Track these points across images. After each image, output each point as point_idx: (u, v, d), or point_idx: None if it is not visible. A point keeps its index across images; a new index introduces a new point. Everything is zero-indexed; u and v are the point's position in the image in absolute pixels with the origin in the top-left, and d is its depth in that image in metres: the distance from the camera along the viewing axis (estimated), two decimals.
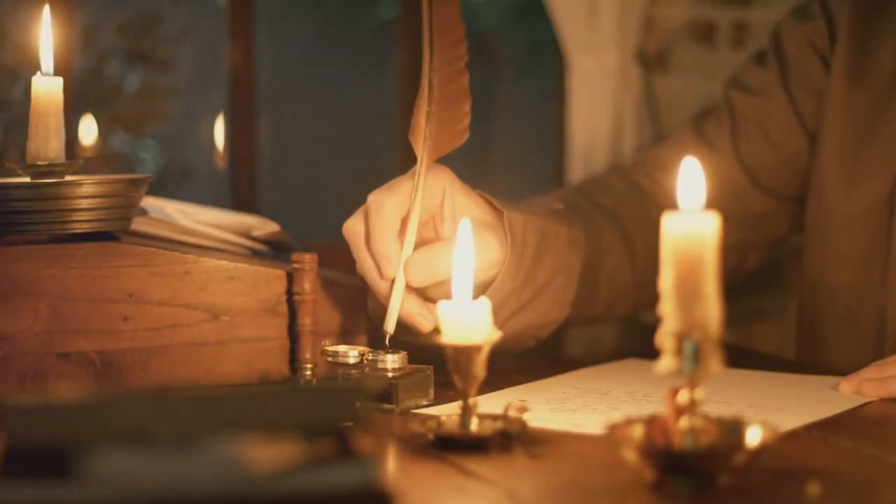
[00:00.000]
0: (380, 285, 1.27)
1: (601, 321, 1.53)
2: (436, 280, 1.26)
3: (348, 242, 1.28)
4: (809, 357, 1.56)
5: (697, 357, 0.93)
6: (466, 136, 1.27)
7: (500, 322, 1.33)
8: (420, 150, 1.27)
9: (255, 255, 1.43)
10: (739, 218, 1.60)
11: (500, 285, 1.31)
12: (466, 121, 1.27)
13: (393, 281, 1.26)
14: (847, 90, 1.53)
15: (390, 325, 1.26)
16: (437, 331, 1.11)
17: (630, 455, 0.95)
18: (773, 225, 1.64)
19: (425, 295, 1.28)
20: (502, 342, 1.34)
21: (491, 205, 1.32)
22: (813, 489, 0.94)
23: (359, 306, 1.36)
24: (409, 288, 1.27)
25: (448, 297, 1.11)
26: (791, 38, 1.60)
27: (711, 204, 0.95)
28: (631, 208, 1.57)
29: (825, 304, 1.53)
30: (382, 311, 1.27)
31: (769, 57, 1.62)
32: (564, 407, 1.23)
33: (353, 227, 1.28)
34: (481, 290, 1.28)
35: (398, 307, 1.26)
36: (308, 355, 1.30)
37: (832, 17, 1.56)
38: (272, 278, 1.31)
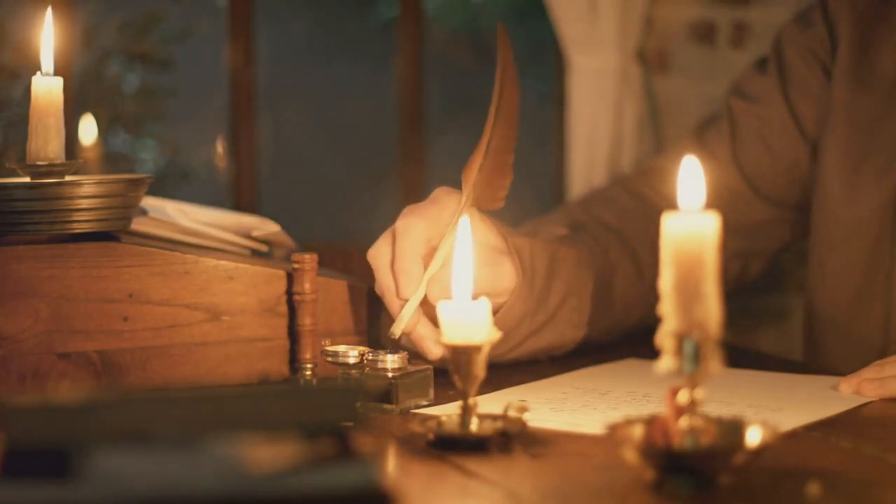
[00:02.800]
0: (395, 303, 1.28)
1: (614, 335, 1.54)
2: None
3: (372, 266, 1.30)
4: (814, 361, 1.56)
5: (697, 357, 0.93)
6: (501, 204, 1.33)
7: (514, 345, 1.35)
8: (468, 190, 1.31)
9: (255, 255, 1.43)
10: (741, 227, 1.60)
11: (510, 309, 1.33)
12: (504, 192, 1.33)
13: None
14: (849, 95, 1.53)
15: (397, 330, 1.27)
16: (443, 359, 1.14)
17: (630, 455, 0.95)
18: (774, 233, 1.64)
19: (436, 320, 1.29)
20: (517, 360, 1.36)
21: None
22: (813, 489, 0.94)
23: (359, 306, 1.36)
24: (424, 310, 1.27)
25: None
26: (792, 45, 1.60)
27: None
28: (635, 221, 1.58)
29: (828, 309, 1.53)
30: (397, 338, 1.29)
31: (770, 65, 1.62)
32: (564, 407, 1.23)
33: (378, 251, 1.30)
34: (497, 315, 1.30)
35: (409, 314, 1.27)
36: (308, 355, 1.30)
37: (833, 24, 1.56)
38: (272, 278, 1.31)
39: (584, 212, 1.59)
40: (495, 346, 1.29)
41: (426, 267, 1.28)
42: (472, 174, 1.31)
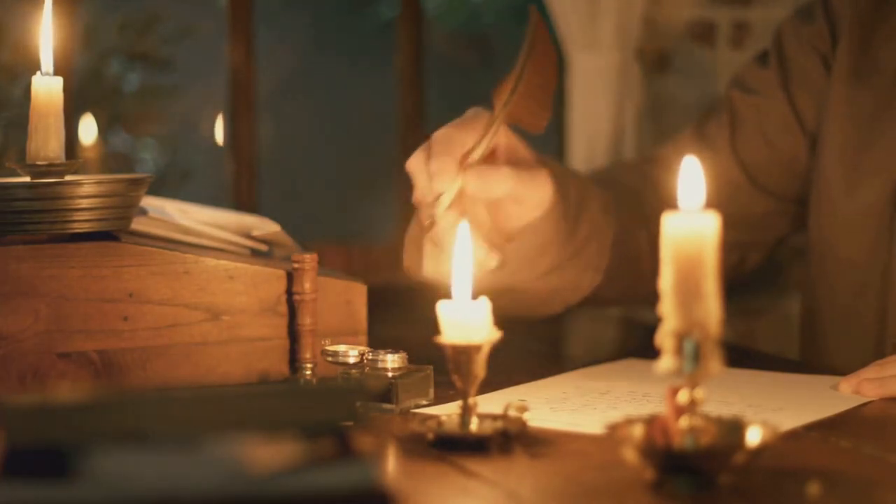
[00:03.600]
0: (427, 200, 1.25)
1: (623, 301, 1.53)
2: (490, 194, 1.25)
3: (410, 174, 1.27)
4: (811, 358, 1.56)
5: (697, 357, 0.93)
6: (541, 131, 1.30)
7: (539, 274, 1.33)
8: (499, 108, 1.27)
9: (255, 255, 1.43)
10: (739, 218, 1.60)
11: (542, 227, 1.31)
12: (545, 122, 1.30)
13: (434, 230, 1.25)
14: (849, 90, 1.53)
15: (441, 211, 1.24)
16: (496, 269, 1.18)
17: (630, 455, 0.95)
18: (772, 225, 1.64)
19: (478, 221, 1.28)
20: (536, 298, 1.35)
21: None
22: (813, 489, 0.94)
23: (359, 306, 1.36)
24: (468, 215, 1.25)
25: (498, 226, 1.21)
26: (793, 39, 1.60)
27: (711, 204, 0.95)
28: (644, 194, 1.57)
29: (826, 304, 1.53)
30: (418, 257, 1.27)
31: (770, 58, 1.62)
32: (564, 407, 1.23)
33: (415, 158, 1.27)
34: (529, 231, 1.29)
35: (446, 204, 1.24)
36: (308, 355, 1.30)
37: (835, 19, 1.56)
38: (272, 278, 1.31)
39: (605, 174, 1.58)
40: (518, 271, 1.26)
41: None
42: (504, 96, 1.27)
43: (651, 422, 0.97)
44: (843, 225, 1.51)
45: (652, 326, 0.97)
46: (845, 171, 1.52)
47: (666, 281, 0.94)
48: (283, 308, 1.31)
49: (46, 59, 1.28)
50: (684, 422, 0.95)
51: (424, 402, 1.24)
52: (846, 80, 1.53)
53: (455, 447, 1.07)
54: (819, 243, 1.54)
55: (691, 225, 0.93)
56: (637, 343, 1.48)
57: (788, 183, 1.61)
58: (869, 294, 1.49)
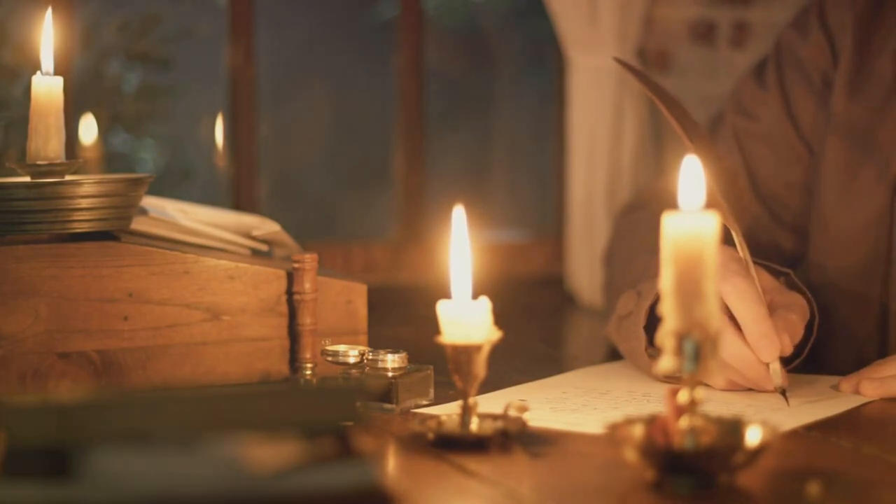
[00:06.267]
0: (761, 370, 1.25)
1: None
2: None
3: (736, 366, 1.25)
4: (811, 366, 1.55)
5: (697, 357, 0.93)
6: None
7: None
8: (739, 237, 1.29)
9: (255, 254, 1.43)
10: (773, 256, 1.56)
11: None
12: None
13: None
14: (847, 101, 1.51)
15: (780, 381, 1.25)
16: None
17: (630, 455, 0.96)
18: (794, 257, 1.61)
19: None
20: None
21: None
22: (813, 489, 0.94)
23: (359, 306, 1.36)
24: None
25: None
26: (792, 61, 1.56)
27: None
28: None
29: (826, 314, 1.52)
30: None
31: (769, 77, 1.58)
32: (564, 407, 1.23)
33: (733, 349, 1.25)
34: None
35: (779, 369, 1.25)
36: (308, 355, 1.30)
37: (832, 31, 1.53)
38: (272, 278, 1.31)
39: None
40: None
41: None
42: (727, 218, 1.27)
43: (651, 422, 0.98)
44: (842, 236, 1.50)
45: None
46: (844, 183, 1.50)
47: (666, 281, 0.94)
48: (283, 308, 1.31)
49: (46, 59, 1.28)
50: (684, 422, 0.95)
51: (424, 402, 1.24)
52: (845, 91, 1.51)
53: (455, 447, 1.07)
54: (818, 254, 1.53)
55: (691, 225, 0.93)
56: None
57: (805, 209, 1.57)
58: (869, 302, 1.48)
